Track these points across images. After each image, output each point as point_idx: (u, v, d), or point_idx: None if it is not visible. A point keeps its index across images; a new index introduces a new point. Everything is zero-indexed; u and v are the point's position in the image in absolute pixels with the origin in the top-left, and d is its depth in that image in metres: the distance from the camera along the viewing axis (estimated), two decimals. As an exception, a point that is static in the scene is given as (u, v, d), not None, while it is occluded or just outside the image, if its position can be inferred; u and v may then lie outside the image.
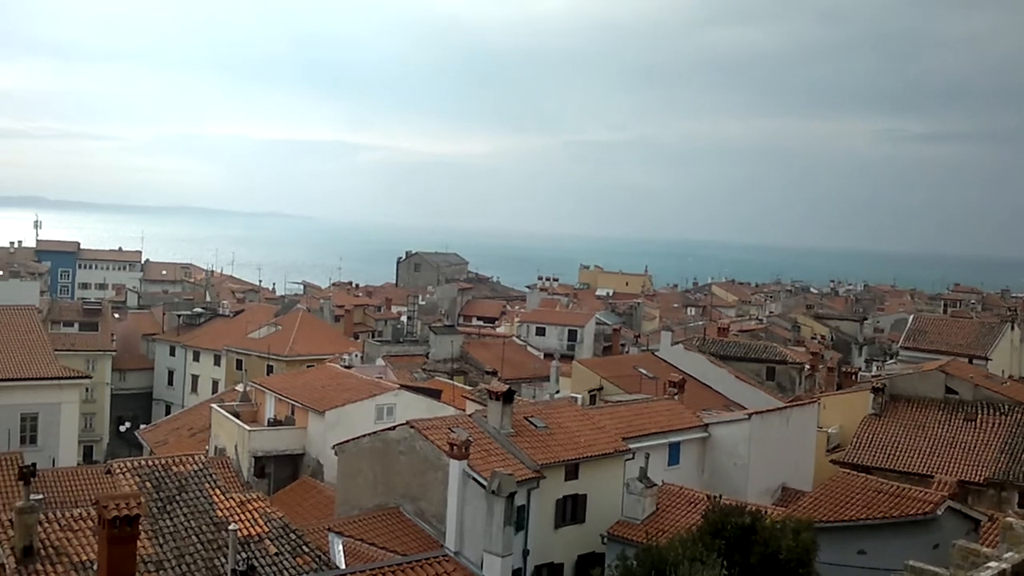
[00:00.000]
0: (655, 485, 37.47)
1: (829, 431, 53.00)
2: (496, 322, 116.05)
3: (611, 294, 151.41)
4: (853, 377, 65.71)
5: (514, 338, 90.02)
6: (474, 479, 32.55)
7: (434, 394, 51.87)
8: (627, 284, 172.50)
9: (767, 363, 68.46)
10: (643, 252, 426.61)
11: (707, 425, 46.19)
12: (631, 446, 39.60)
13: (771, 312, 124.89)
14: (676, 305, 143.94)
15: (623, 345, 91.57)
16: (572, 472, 36.88)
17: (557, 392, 64.04)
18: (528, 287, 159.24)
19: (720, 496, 32.35)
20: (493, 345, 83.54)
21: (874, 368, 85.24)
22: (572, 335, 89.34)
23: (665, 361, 65.07)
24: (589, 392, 58.86)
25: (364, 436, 38.34)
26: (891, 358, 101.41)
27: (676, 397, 48.81)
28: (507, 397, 37.61)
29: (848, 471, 39.76)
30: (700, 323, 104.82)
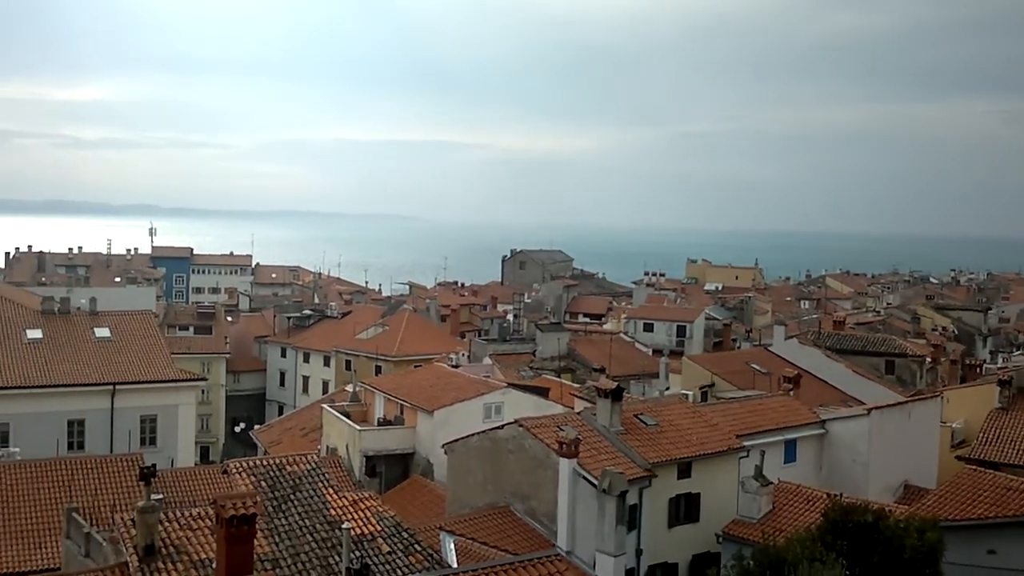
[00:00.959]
0: (771, 483, 36.82)
1: (953, 426, 51.17)
2: (603, 319, 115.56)
3: (720, 288, 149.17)
4: (978, 370, 63.41)
5: (621, 334, 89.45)
6: (584, 478, 32.44)
7: (542, 392, 51.92)
8: (737, 278, 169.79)
9: (886, 356, 66.48)
10: (752, 245, 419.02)
11: (824, 421, 45.15)
12: (745, 444, 39.00)
13: (889, 304, 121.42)
14: (789, 298, 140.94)
15: (734, 340, 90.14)
16: (685, 470, 36.50)
17: (667, 389, 63.42)
18: (634, 283, 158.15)
19: (840, 494, 31.54)
20: (600, 342, 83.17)
21: (1000, 360, 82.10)
22: (681, 331, 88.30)
23: (779, 356, 63.87)
24: (700, 389, 58.14)
25: (473, 435, 38.59)
26: (1018, 349, 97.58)
27: (791, 393, 47.84)
28: (616, 394, 37.42)
29: (975, 468, 38.30)
30: (814, 316, 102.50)
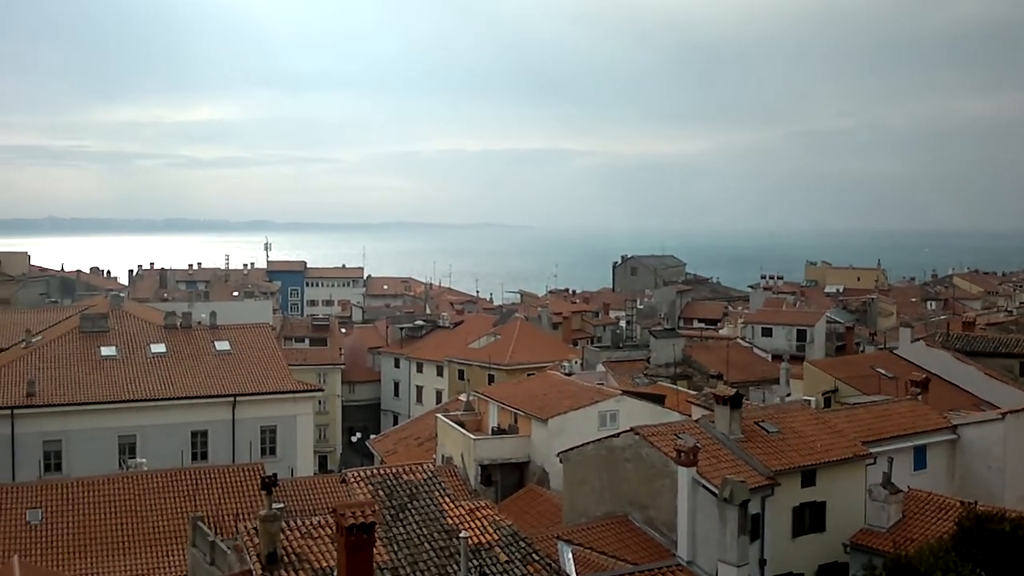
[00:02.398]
0: (900, 491, 35.73)
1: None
2: (718, 324, 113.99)
3: (842, 290, 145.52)
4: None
5: (739, 340, 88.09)
6: (704, 486, 32.02)
7: (657, 399, 51.46)
8: (859, 279, 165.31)
9: (1020, 358, 63.75)
10: (874, 245, 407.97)
11: (955, 426, 43.55)
12: (872, 450, 37.91)
13: (1022, 303, 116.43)
14: (914, 299, 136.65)
15: (857, 344, 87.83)
16: (809, 478, 35.68)
17: (788, 395, 62.05)
18: (751, 287, 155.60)
19: (975, 502, 30.38)
20: (717, 348, 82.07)
21: None
22: (801, 335, 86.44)
23: (905, 359, 61.88)
24: (823, 394, 56.77)
25: (588, 443, 38.45)
26: None
27: (919, 397, 46.31)
28: (735, 401, 36.84)
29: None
30: (942, 317, 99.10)
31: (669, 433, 35.69)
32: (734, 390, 38.28)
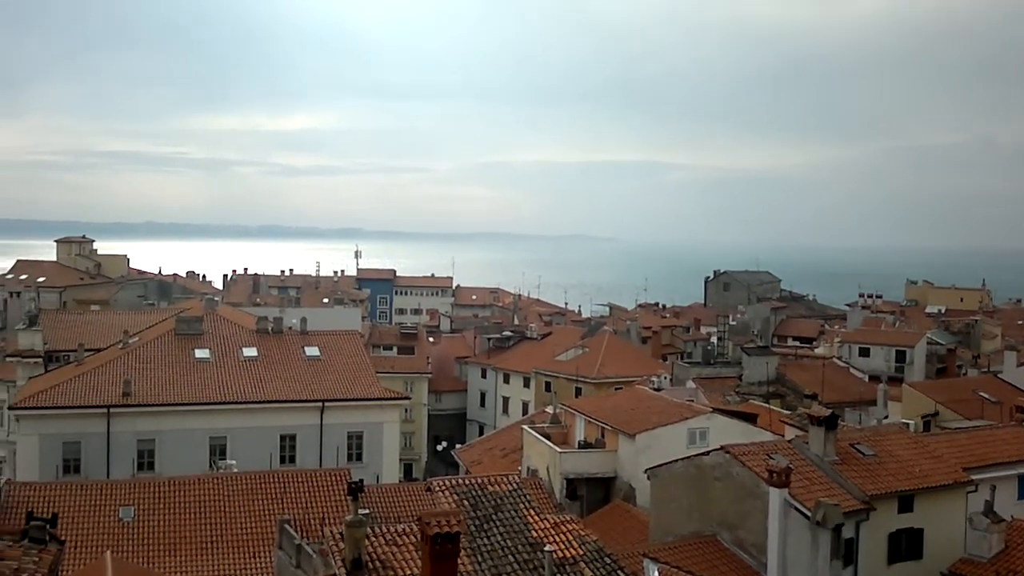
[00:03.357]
0: (1003, 521, 34.58)
1: None
2: (814, 342, 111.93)
3: (944, 311, 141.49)
4: None
5: (835, 359, 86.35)
6: (797, 509, 31.42)
7: (749, 418, 50.68)
8: (962, 300, 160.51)
9: None
10: (979, 264, 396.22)
11: (1065, 456, 41.98)
12: (973, 477, 36.78)
13: None
14: (1020, 322, 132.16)
15: (960, 367, 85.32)
16: (906, 504, 34.78)
17: (885, 418, 60.62)
18: (848, 305, 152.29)
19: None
20: (812, 367, 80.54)
21: None
22: (900, 356, 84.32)
23: (1010, 384, 60.10)
24: (922, 418, 55.41)
25: (677, 461, 38.08)
26: None
27: (1026, 424, 44.78)
28: (830, 422, 36.16)
29: None
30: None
31: (761, 453, 35.14)
32: (829, 411, 37.62)
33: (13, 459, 64.19)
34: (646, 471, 39.79)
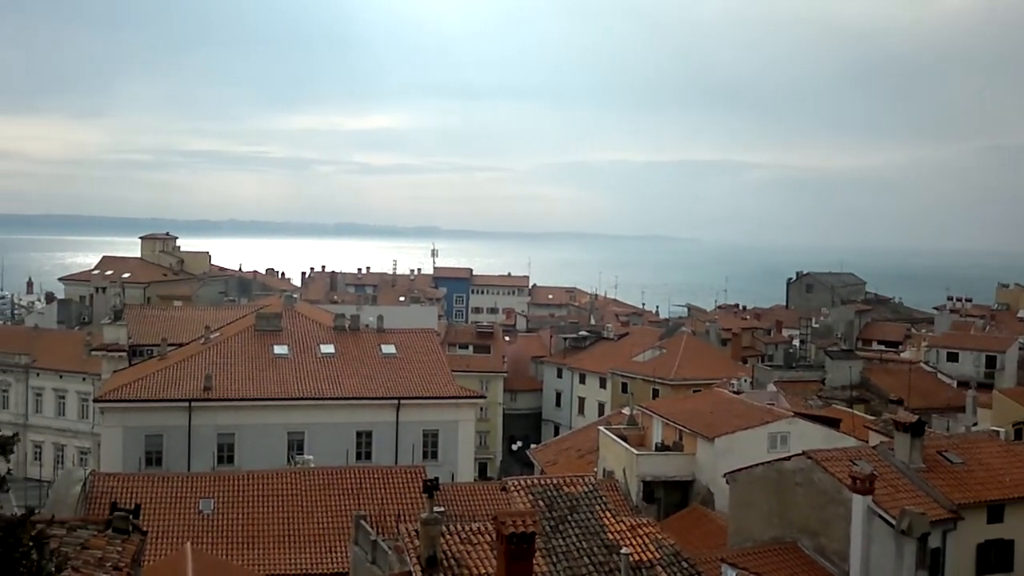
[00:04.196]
0: (1102, 535, 33.44)
1: None
2: (900, 346, 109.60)
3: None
4: None
5: (921, 364, 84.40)
6: (881, 516, 30.82)
7: (832, 423, 49.85)
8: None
9: None
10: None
11: None
12: (1070, 489, 35.58)
13: None
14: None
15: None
16: (996, 514, 33.90)
17: (974, 425, 59.09)
18: (936, 308, 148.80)
19: None
20: (897, 371, 78.84)
21: None
22: (991, 361, 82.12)
23: (1110, 392, 57.98)
24: (1013, 425, 53.80)
25: (757, 465, 37.62)
26: None
27: None
28: (916, 428, 35.40)
29: None
30: None
31: (844, 459, 34.55)
32: (916, 416, 36.84)
33: (98, 451, 66.17)
34: (725, 475, 39.38)
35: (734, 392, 59.05)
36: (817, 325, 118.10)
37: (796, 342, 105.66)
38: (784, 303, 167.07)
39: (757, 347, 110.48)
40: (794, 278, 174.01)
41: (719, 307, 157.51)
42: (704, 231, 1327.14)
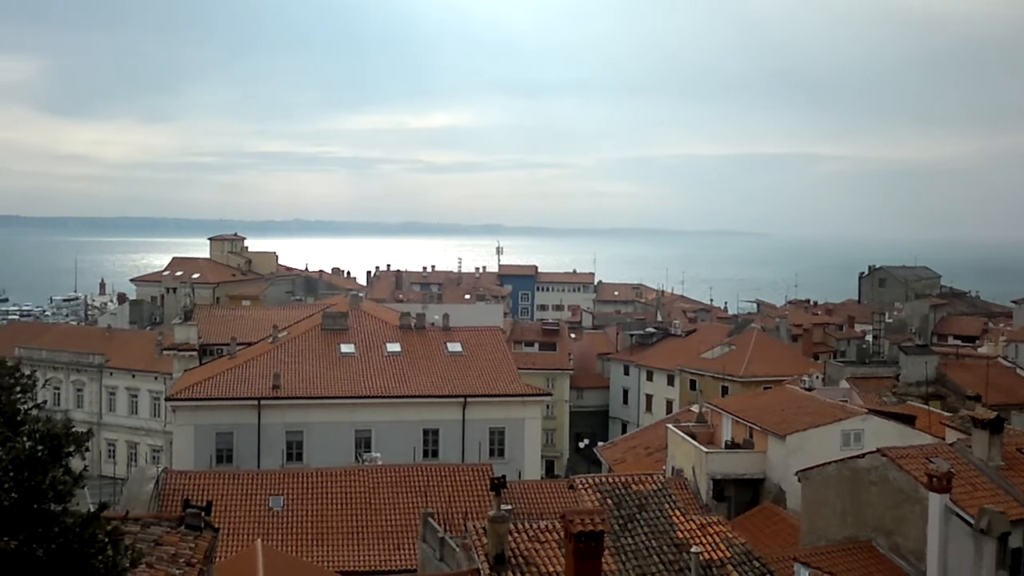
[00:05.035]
0: None
1: None
2: (977, 341, 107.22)
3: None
4: None
5: (1000, 359, 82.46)
6: (958, 515, 30.17)
7: (907, 420, 48.93)
8: None
9: None
10: None
11: None
12: None
13: None
14: None
15: None
16: (1081, 515, 32.87)
17: (1057, 422, 57.58)
18: (1014, 302, 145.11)
19: None
20: (975, 367, 77.08)
21: None
22: (1073, 356, 79.96)
23: None
24: (1098, 422, 52.27)
25: (830, 463, 37.09)
26: None
27: None
28: (995, 425, 34.61)
29: None
30: None
31: (920, 456, 33.89)
32: (994, 413, 35.98)
33: (170, 448, 67.57)
34: (797, 473, 38.87)
35: (805, 389, 58.27)
36: (891, 320, 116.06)
37: (869, 338, 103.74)
38: (856, 298, 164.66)
39: (829, 343, 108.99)
40: (866, 272, 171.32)
41: (789, 302, 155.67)
42: (773, 225, 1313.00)
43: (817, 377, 68.45)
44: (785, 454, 45.35)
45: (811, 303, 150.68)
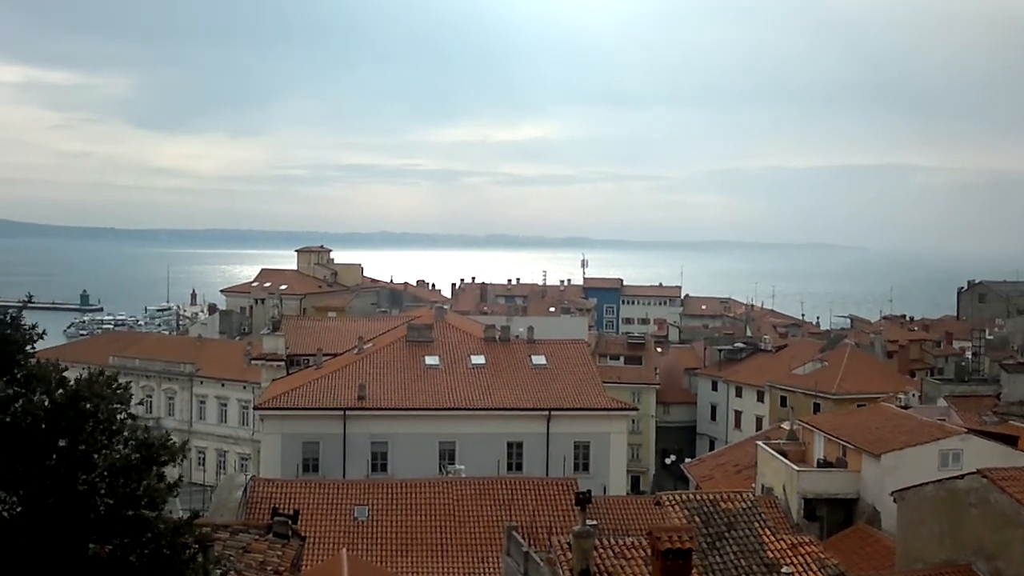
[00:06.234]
0: None
1: None
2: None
3: None
4: None
5: (1109, 379, 79.51)
6: (1066, 541, 29.10)
7: (1009, 440, 47.44)
8: None
9: None
10: None
11: None
12: None
13: None
14: None
15: None
16: None
17: None
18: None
19: None
20: (1082, 387, 74.49)
21: None
22: None
23: None
24: None
25: (927, 484, 36.09)
26: None
27: None
28: (1105, 446, 33.29)
29: None
30: None
31: (1023, 478, 32.81)
32: (1105, 434, 34.65)
33: (257, 457, 68.80)
34: (893, 494, 37.94)
35: (901, 407, 56.99)
36: (991, 336, 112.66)
37: (968, 354, 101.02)
38: (954, 314, 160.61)
39: (926, 360, 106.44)
40: (965, 287, 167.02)
41: (884, 318, 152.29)
42: (868, 238, 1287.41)
43: (913, 395, 66.94)
44: (880, 474, 44.34)
45: (907, 318, 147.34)
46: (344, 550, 32.07)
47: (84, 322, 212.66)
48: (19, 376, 15.98)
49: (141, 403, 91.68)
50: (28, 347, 16.26)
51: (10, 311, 16.43)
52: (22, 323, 16.32)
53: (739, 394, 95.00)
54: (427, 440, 55.95)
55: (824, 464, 48.82)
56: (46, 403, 15.52)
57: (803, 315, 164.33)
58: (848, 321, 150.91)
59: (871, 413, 55.96)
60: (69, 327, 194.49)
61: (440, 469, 52.34)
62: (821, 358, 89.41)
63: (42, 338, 16.52)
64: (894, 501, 37.59)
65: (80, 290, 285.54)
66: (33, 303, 18.51)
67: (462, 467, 48.79)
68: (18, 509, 15.49)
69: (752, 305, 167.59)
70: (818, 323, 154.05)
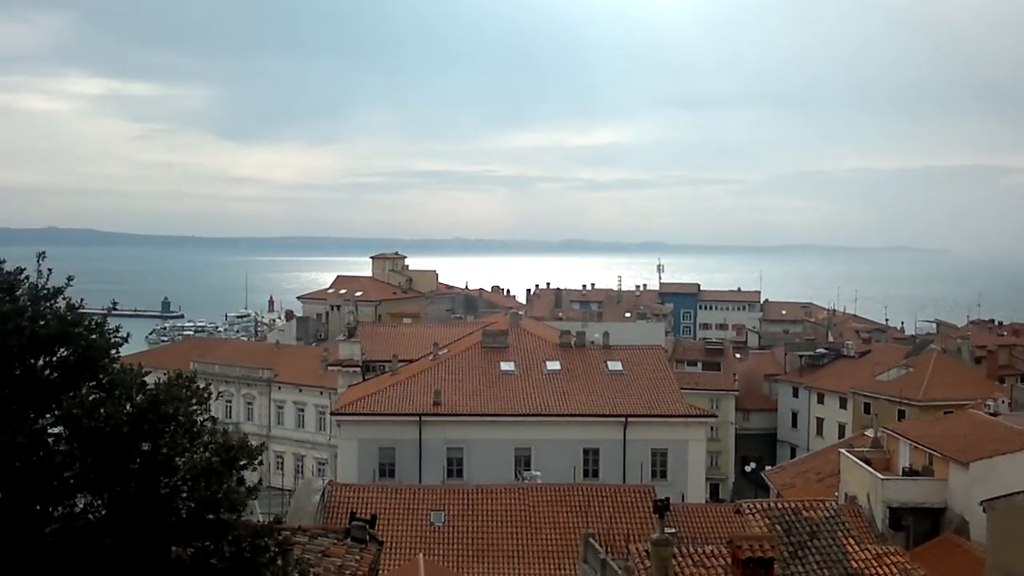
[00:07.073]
0: None
1: None
2: None
3: None
4: None
5: None
6: None
7: (1106, 449, 45.97)
8: None
9: None
10: None
11: None
12: None
13: None
14: None
15: None
16: None
17: None
18: None
19: None
20: None
21: None
22: None
23: None
24: None
25: (1018, 493, 35.15)
26: None
27: None
28: None
29: None
30: None
31: (1121, 488, 31.78)
32: None
33: (334, 461, 69.62)
34: (982, 503, 37.00)
35: (990, 414, 55.52)
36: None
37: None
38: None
39: (1016, 366, 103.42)
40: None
41: (972, 322, 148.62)
42: (955, 241, 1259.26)
43: (1003, 402, 65.14)
44: (969, 482, 43.24)
45: (996, 323, 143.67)
46: (420, 555, 32.34)
47: (165, 329, 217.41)
48: (104, 381, 16.42)
49: (220, 396, 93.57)
50: (113, 351, 16.69)
51: (95, 318, 16.88)
52: (106, 328, 16.76)
53: (821, 401, 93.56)
54: (503, 446, 56.05)
55: (910, 472, 47.79)
56: (128, 407, 15.90)
57: (887, 320, 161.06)
58: (934, 326, 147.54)
59: (958, 420, 54.65)
60: (151, 334, 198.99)
61: (516, 475, 52.39)
62: (906, 364, 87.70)
63: (126, 342, 16.96)
64: (984, 511, 36.67)
65: (161, 297, 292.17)
66: (116, 311, 18.98)
67: (538, 473, 48.78)
68: (103, 512, 15.89)
69: (834, 310, 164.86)
70: (902, 328, 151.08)
